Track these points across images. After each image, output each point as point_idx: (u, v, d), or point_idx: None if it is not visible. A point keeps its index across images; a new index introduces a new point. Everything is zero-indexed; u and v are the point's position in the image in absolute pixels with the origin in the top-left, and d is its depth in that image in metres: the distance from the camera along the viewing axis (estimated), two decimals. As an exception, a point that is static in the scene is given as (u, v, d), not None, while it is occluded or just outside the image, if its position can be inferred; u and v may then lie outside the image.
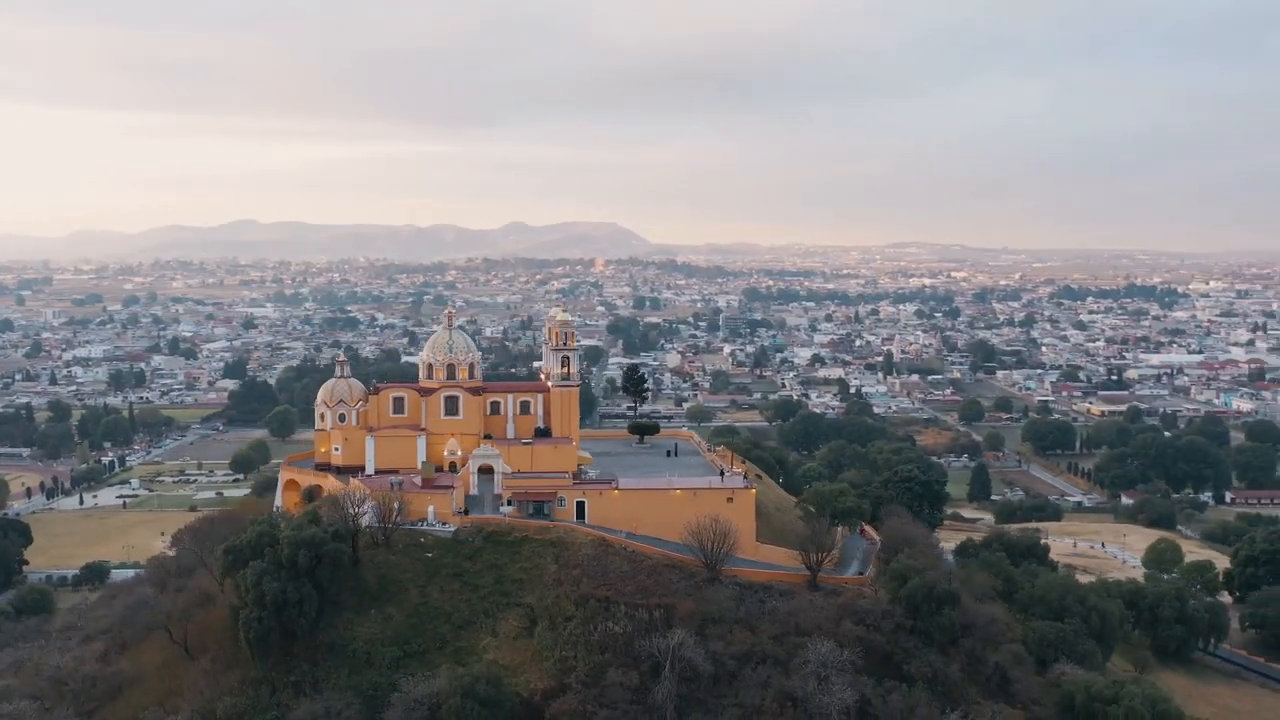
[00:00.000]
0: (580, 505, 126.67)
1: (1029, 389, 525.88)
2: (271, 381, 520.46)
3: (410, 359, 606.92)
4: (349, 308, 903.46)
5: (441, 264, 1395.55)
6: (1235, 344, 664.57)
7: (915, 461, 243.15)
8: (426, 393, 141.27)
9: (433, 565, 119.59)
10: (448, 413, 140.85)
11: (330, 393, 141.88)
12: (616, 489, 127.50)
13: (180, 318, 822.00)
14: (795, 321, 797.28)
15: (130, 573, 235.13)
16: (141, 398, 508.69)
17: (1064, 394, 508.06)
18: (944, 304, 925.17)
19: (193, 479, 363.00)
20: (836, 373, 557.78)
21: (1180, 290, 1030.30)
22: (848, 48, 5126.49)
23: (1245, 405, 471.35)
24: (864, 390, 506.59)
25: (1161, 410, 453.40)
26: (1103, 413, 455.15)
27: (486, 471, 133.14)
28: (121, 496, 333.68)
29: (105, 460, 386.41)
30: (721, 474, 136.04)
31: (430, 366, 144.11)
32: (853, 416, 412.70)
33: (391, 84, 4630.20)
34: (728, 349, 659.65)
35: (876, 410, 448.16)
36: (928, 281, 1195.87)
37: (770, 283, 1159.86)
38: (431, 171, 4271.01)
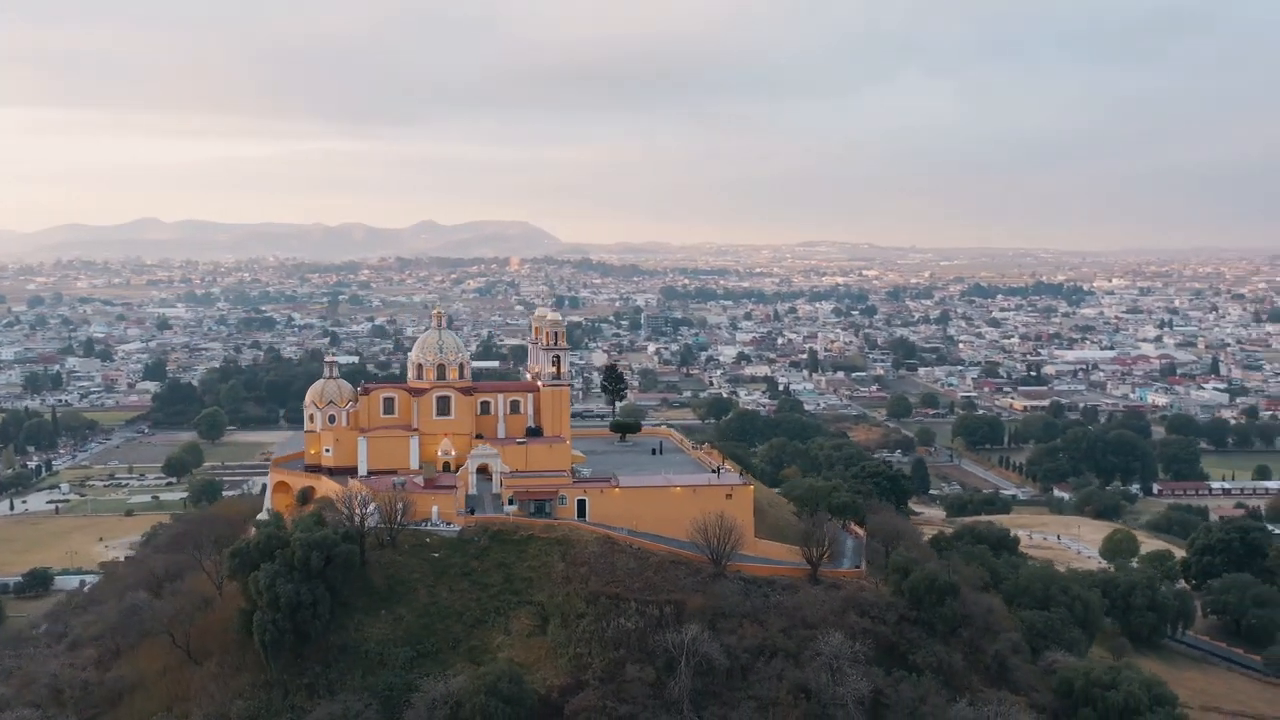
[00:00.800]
0: (581, 503, 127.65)
1: (951, 385, 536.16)
2: (195, 383, 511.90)
3: (335, 359, 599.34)
4: (263, 307, 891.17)
5: (353, 263, 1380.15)
6: (1144, 340, 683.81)
7: (858, 458, 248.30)
8: (418, 393, 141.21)
9: (440, 565, 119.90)
10: (439, 413, 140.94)
11: (320, 394, 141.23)
12: (617, 487, 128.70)
13: (90, 318, 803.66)
14: (716, 320, 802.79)
15: (76, 579, 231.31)
16: (61, 400, 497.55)
17: (985, 390, 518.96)
18: (859, 302, 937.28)
19: (124, 483, 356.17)
20: (763, 370, 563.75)
21: (1086, 288, 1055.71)
22: (762, 49, 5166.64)
23: (1161, 399, 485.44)
24: (792, 388, 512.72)
25: (1082, 405, 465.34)
26: (1025, 408, 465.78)
27: (482, 471, 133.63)
28: (53, 501, 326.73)
29: (31, 465, 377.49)
30: (717, 471, 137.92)
31: (420, 367, 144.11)
32: (785, 414, 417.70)
33: (298, 81, 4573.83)
34: (652, 348, 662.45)
35: (807, 407, 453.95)
36: (840, 280, 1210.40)
37: (686, 281, 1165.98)
38: (339, 169, 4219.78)
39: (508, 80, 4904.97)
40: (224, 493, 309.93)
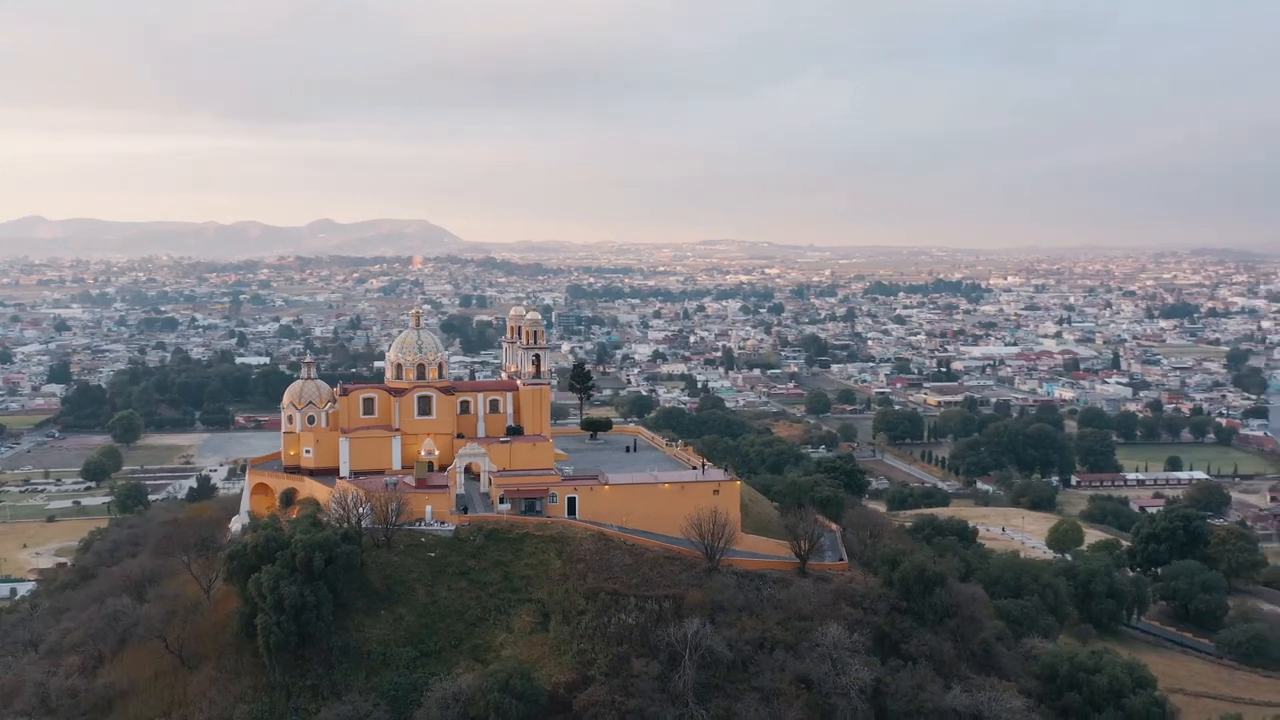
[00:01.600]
0: (571, 501, 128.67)
1: (865, 381, 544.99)
2: (103, 385, 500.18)
3: (245, 359, 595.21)
4: (163, 307, 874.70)
5: (252, 262, 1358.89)
6: (1045, 335, 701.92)
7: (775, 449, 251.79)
8: (398, 393, 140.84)
9: (437, 565, 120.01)
10: (421, 413, 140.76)
11: (299, 395, 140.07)
12: (607, 484, 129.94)
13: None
14: (627, 318, 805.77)
15: (5, 587, 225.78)
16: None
17: (899, 386, 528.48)
18: (765, 300, 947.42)
19: (40, 488, 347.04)
20: (679, 368, 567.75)
21: (984, 285, 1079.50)
22: (665, 47, 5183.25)
23: (1067, 394, 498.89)
24: (710, 385, 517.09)
25: (994, 400, 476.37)
26: (939, 403, 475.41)
27: (467, 470, 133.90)
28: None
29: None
30: (702, 467, 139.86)
31: (399, 367, 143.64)
32: (708, 411, 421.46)
33: (192, 77, 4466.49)
34: (565, 346, 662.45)
35: (728, 405, 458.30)
36: (744, 278, 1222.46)
37: (591, 280, 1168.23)
38: (234, 167, 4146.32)
39: (406, 77, 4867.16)
40: (149, 497, 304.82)
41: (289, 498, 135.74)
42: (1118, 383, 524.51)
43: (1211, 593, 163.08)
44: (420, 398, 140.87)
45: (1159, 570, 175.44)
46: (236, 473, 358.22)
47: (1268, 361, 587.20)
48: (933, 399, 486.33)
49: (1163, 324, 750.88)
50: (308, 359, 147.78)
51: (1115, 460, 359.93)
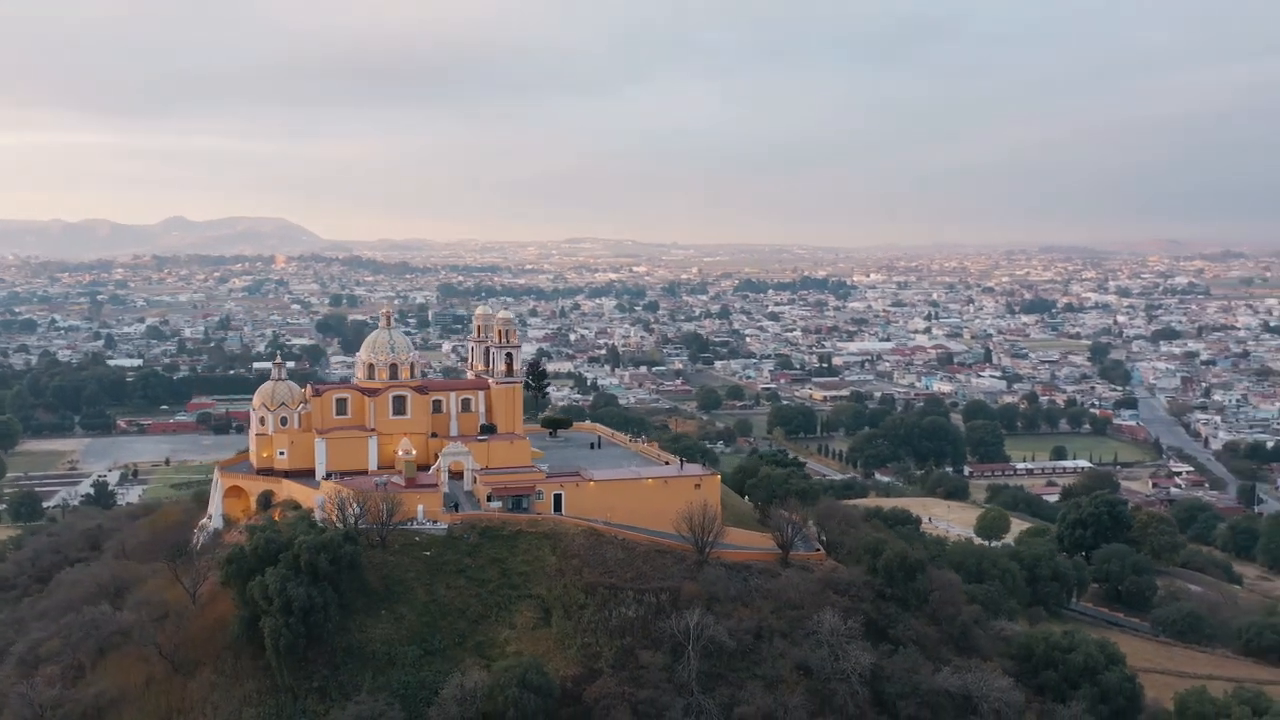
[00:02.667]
0: (557, 498, 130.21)
1: (750, 377, 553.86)
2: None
3: (118, 362, 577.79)
4: (16, 308, 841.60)
5: (105, 261, 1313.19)
6: (915, 331, 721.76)
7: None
8: (372, 393, 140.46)
9: (434, 563, 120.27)
10: (396, 412, 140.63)
11: (271, 396, 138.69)
12: (592, 481, 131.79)
13: None
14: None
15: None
16: None
17: (783, 381, 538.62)
18: (638, 298, 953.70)
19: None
20: (565, 366, 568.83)
21: (849, 282, 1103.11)
22: (533, 46, 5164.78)
23: (945, 387, 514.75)
24: (599, 383, 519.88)
25: (878, 394, 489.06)
26: (824, 398, 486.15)
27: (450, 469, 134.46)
28: None
29: None
30: (681, 463, 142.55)
31: (371, 366, 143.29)
32: (603, 409, 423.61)
33: (35, 69, 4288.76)
34: (447, 346, 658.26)
35: (620, 402, 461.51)
36: (613, 276, 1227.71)
37: (461, 278, 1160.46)
38: (80, 163, 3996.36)
39: (262, 72, 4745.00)
40: (44, 504, 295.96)
41: (267, 500, 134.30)
42: (991, 376, 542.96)
43: (1141, 574, 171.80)
44: (395, 397, 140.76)
45: (1085, 554, 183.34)
46: (129, 478, 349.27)
47: (1128, 355, 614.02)
48: (818, 394, 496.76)
49: (1024, 319, 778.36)
50: (278, 360, 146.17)
51: (1004, 451, 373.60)
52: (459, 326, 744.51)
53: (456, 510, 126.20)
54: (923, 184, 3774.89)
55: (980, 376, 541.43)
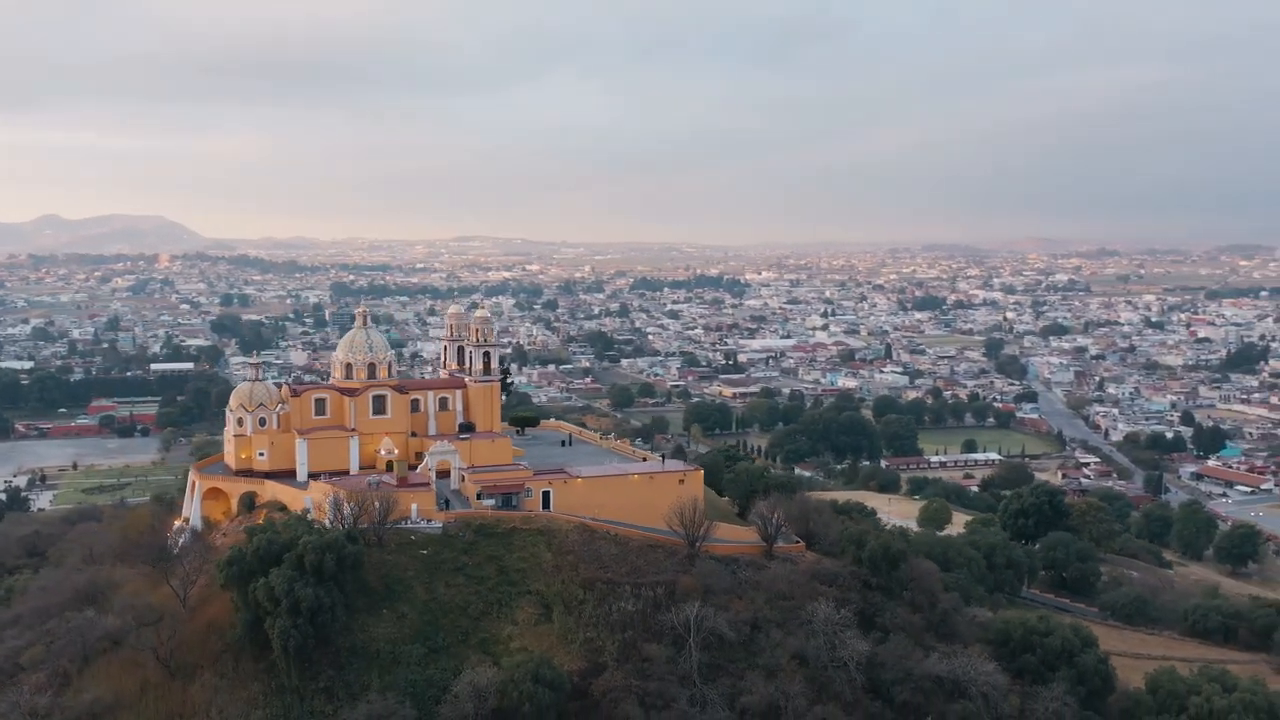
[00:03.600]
0: (546, 494, 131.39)
1: (658, 375, 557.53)
2: None
3: (6, 364, 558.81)
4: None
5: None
6: (814, 328, 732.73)
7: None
8: (351, 393, 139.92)
9: (431, 562, 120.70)
10: (376, 412, 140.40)
11: (249, 396, 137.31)
12: (580, 477, 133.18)
13: None
14: (402, 317, 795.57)
15: None
16: None
17: (690, 379, 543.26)
18: (534, 296, 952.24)
19: None
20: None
21: (742, 280, 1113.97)
22: (421, 43, 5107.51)
23: (850, 383, 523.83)
24: (509, 382, 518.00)
25: (787, 390, 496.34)
26: (734, 394, 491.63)
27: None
28: None
29: None
30: (663, 458, 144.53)
31: (349, 366, 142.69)
32: (521, 408, 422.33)
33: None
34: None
35: (534, 400, 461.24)
36: (507, 275, 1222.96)
37: (352, 277, 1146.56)
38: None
39: (141, 66, 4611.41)
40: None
41: (251, 502, 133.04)
42: (893, 371, 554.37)
43: (1085, 561, 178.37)
44: (375, 397, 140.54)
45: (1027, 542, 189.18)
46: (37, 483, 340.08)
47: (1021, 350, 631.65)
48: (727, 391, 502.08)
49: (918, 316, 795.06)
50: (254, 360, 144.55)
51: (917, 444, 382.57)
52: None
53: (447, 508, 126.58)
54: (808, 183, 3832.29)
55: (883, 372, 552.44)
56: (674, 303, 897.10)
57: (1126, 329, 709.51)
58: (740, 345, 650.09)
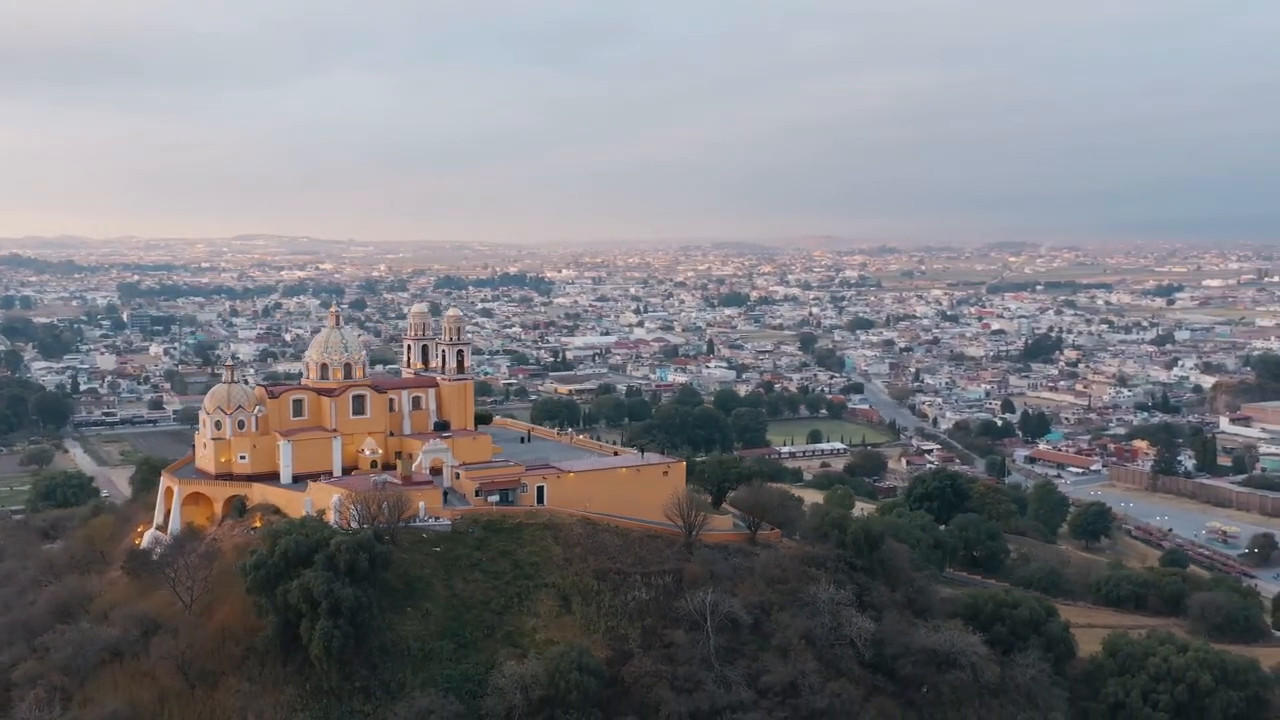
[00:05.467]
0: (540, 490, 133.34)
1: (489, 373, 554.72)
2: None
3: (233, 363, 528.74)
4: None
5: None
6: (629, 325, 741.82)
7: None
8: (330, 393, 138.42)
9: (446, 559, 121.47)
10: (356, 412, 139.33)
11: (226, 398, 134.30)
12: (572, 472, 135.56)
13: None
14: (205, 317, 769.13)
15: None
16: None
17: (521, 376, 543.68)
18: (337, 295, 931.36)
19: None
20: (296, 367, 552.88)
21: (546, 278, 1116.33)
22: (195, 34, 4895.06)
23: (680, 378, 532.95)
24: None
25: (622, 386, 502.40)
26: (569, 391, 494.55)
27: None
28: None
29: None
30: (642, 452, 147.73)
31: (325, 367, 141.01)
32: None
33: None
34: (155, 348, 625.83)
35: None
36: (301, 274, 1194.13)
37: (137, 277, 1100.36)
38: None
39: None
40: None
41: (242, 506, 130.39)
42: (719, 366, 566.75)
43: (994, 540, 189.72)
44: (355, 397, 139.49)
45: (936, 523, 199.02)
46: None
47: (833, 343, 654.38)
48: (562, 388, 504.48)
49: (727, 312, 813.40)
50: (228, 363, 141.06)
51: (765, 437, 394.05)
52: (159, 329, 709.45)
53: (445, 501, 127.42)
54: (597, 181, 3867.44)
55: (709, 368, 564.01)
56: (483, 301, 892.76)
57: (925, 322, 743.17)
58: (563, 343, 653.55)
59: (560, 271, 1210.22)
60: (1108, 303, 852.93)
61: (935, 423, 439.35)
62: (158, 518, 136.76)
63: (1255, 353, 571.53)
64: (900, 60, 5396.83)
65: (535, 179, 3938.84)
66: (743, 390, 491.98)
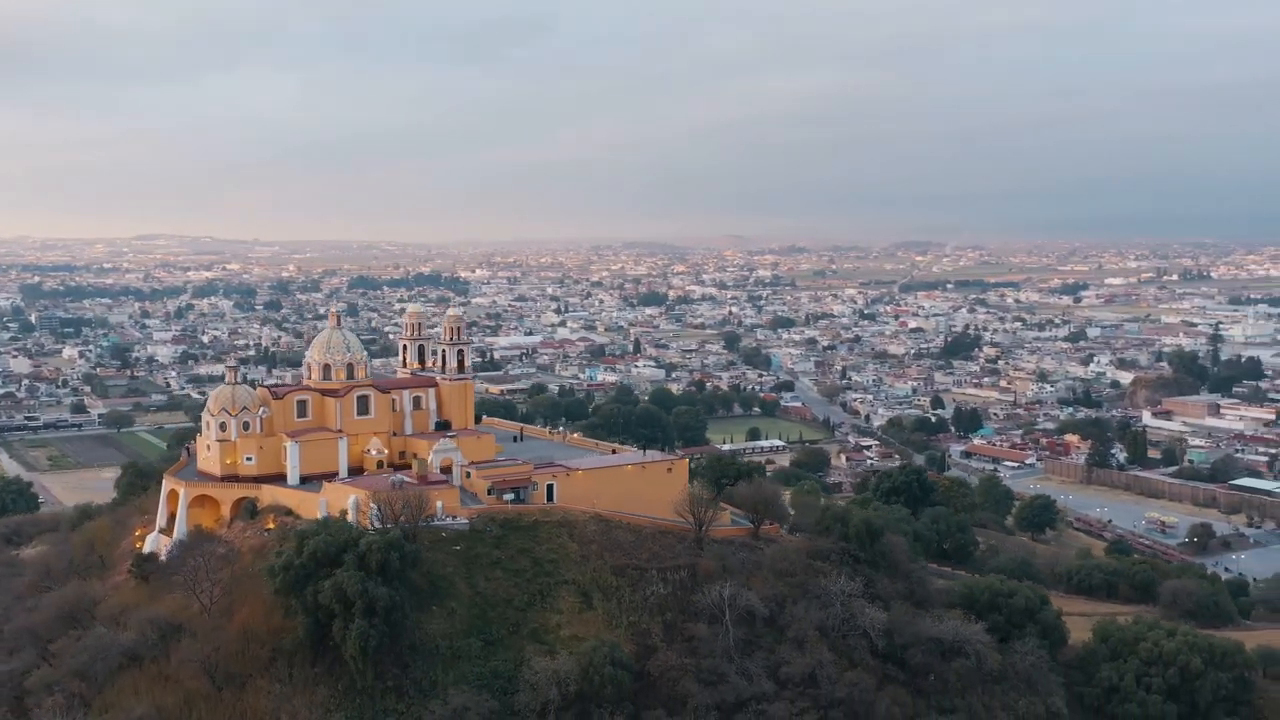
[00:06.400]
0: (550, 488, 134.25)
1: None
2: None
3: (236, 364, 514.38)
4: None
5: None
6: (551, 325, 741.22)
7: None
8: (334, 394, 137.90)
9: (467, 557, 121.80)
10: (360, 412, 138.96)
11: (231, 400, 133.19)
12: (581, 470, 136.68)
13: None
14: (116, 319, 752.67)
15: None
16: None
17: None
18: (250, 296, 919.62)
19: None
20: (217, 369, 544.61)
21: (461, 278, 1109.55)
22: (91, 26, 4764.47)
23: (610, 378, 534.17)
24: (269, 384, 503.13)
25: (553, 386, 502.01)
26: (501, 390, 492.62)
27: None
28: None
29: None
30: (644, 450, 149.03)
31: (327, 367, 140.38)
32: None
33: None
34: (68, 352, 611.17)
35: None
36: (208, 274, 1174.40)
37: (38, 278, 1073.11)
38: None
39: None
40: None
41: (253, 508, 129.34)
42: (648, 365, 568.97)
43: (964, 532, 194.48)
44: (360, 397, 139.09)
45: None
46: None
47: (756, 341, 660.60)
48: (493, 388, 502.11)
49: (648, 311, 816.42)
50: (231, 364, 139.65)
51: (705, 435, 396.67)
52: (70, 331, 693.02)
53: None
54: (506, 181, 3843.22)
55: (638, 367, 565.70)
56: (399, 301, 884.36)
57: (845, 320, 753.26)
58: (488, 343, 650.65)
59: (474, 271, 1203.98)
60: (1017, 301, 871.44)
61: (868, 419, 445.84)
62: (160, 521, 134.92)
63: (1166, 349, 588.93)
64: (814, 61, 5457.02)
65: (445, 178, 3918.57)
66: (675, 389, 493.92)
